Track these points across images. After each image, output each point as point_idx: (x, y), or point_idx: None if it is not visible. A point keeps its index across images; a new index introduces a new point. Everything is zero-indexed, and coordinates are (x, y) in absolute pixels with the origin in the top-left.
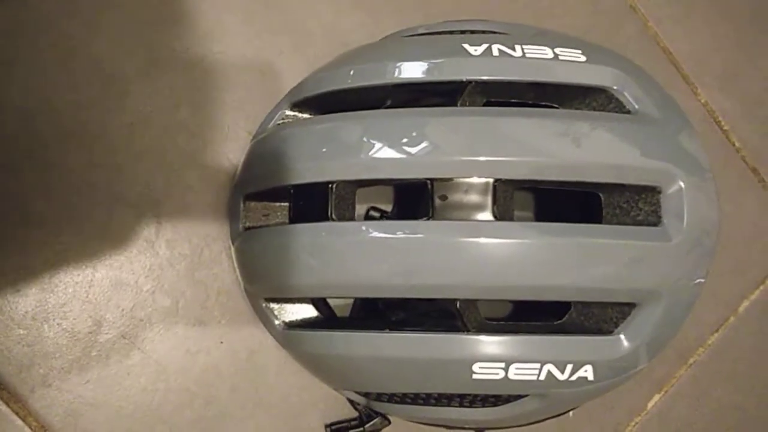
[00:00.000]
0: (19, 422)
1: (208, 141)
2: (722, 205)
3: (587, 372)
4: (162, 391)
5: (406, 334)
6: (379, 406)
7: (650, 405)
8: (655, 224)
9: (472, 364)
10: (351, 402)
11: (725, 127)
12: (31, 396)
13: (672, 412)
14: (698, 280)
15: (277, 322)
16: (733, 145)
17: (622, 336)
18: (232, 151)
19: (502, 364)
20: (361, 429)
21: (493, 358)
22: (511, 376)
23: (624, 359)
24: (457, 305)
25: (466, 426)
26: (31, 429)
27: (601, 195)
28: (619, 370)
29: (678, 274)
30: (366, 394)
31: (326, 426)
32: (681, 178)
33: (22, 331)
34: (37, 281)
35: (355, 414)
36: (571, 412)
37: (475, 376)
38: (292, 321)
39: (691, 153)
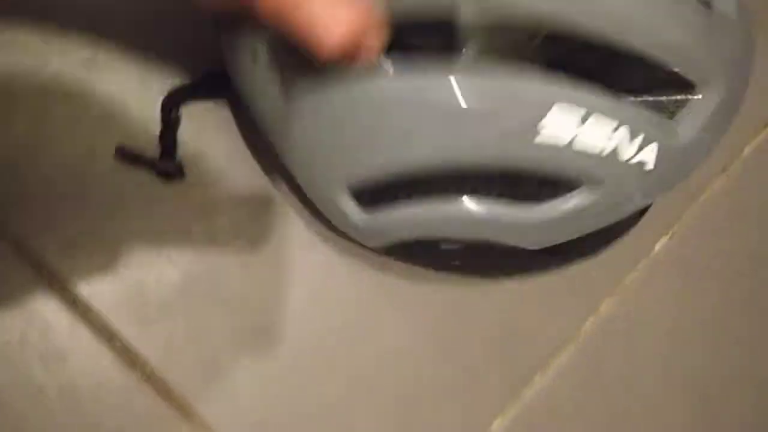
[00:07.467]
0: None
1: None
2: None
3: (651, 154)
4: None
5: None
6: (384, 216)
7: (657, 247)
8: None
9: (543, 117)
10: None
11: None
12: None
13: (680, 253)
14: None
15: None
16: None
17: (683, 125)
18: None
19: (582, 113)
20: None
21: (575, 101)
22: (577, 144)
23: (685, 149)
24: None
25: (483, 236)
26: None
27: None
28: (677, 159)
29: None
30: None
31: (117, 148)
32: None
33: None
34: None
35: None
36: None
37: (538, 138)
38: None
39: (745, 65)
